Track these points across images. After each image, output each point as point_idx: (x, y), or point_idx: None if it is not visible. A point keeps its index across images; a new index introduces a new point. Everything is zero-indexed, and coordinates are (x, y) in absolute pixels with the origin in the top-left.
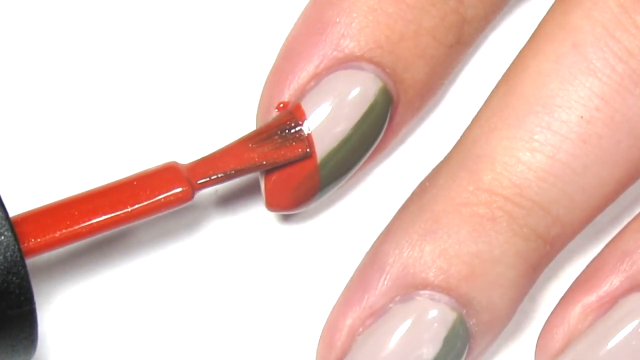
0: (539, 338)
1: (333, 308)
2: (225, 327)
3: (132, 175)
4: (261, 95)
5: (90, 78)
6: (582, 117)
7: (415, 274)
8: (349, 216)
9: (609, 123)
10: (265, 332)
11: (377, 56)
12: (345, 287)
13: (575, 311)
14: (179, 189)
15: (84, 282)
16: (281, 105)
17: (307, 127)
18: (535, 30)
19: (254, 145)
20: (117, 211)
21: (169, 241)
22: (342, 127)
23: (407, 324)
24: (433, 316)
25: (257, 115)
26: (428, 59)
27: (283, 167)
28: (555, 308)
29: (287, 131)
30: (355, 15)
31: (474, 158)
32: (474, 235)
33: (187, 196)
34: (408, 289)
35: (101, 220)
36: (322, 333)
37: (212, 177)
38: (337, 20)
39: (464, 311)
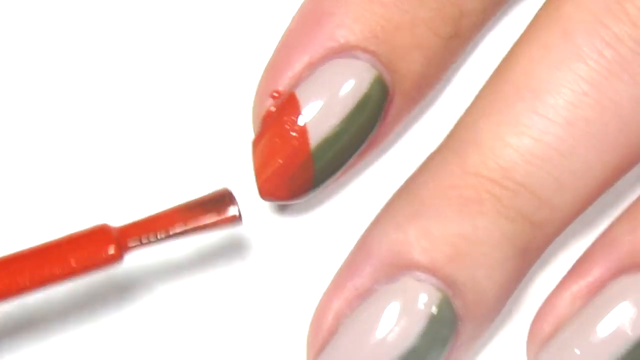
0: (530, 327)
1: (322, 294)
2: (218, 320)
3: (62, 237)
4: (257, 86)
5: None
6: (569, 101)
7: (400, 255)
8: (345, 209)
9: (596, 107)
10: (259, 325)
11: (372, 45)
12: (335, 274)
13: (565, 298)
14: (110, 251)
15: None
16: (275, 94)
17: (302, 118)
18: (529, 23)
19: (185, 210)
20: (45, 273)
21: None
22: (336, 116)
23: (392, 304)
24: (418, 296)
25: (253, 106)
26: (424, 50)
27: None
28: (546, 298)
29: (218, 200)
30: (351, 6)
31: (462, 143)
32: (459, 216)
33: (117, 257)
34: (393, 270)
35: (27, 282)
36: (311, 319)
37: (142, 241)
38: (333, 11)
39: (450, 292)
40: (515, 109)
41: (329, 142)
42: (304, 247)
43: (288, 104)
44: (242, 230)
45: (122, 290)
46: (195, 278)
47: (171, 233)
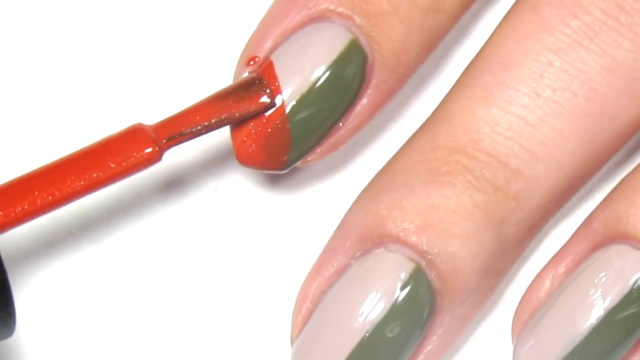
0: (513, 316)
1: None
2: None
3: (98, 141)
4: (239, 56)
5: (49, 44)
6: (535, 71)
7: (372, 228)
8: (332, 198)
9: (563, 77)
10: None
11: (348, 10)
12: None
13: (544, 283)
14: (148, 150)
15: (59, 266)
16: (252, 62)
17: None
18: None
19: (217, 101)
20: (85, 178)
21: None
22: (311, 76)
23: (364, 277)
24: (389, 267)
25: (234, 75)
26: (402, 18)
27: (250, 119)
28: (528, 286)
29: (249, 86)
30: None
31: (434, 120)
32: (429, 187)
33: (155, 156)
34: (367, 244)
35: (69, 189)
36: (294, 305)
37: (178, 135)
38: None
39: (423, 262)
40: (484, 83)
41: (304, 103)
42: (292, 233)
43: (264, 69)
44: (233, 215)
45: (106, 265)
46: (184, 266)
47: (206, 124)
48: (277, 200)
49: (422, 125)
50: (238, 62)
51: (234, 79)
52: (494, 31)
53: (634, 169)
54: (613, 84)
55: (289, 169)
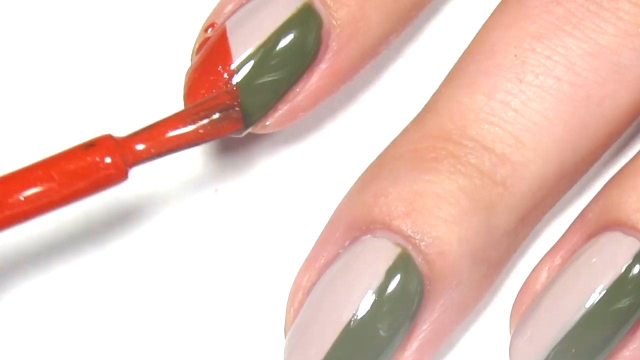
0: (511, 308)
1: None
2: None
3: (62, 152)
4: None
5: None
6: (518, 57)
7: (360, 217)
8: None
9: (545, 62)
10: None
11: None
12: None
13: (542, 274)
14: (114, 169)
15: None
16: (210, 30)
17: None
18: None
19: (191, 123)
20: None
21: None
22: (260, 36)
23: (351, 264)
24: (375, 252)
25: (194, 43)
26: None
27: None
28: (525, 279)
29: (225, 112)
30: None
31: (423, 112)
32: (415, 174)
33: (122, 177)
34: (355, 232)
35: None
36: (287, 299)
37: (148, 157)
38: None
39: (409, 247)
40: (469, 72)
41: (254, 64)
42: (292, 233)
43: (217, 34)
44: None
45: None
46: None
47: (177, 149)
48: (277, 200)
49: (413, 118)
50: (200, 30)
51: (194, 46)
52: (483, 24)
53: (629, 161)
54: (597, 68)
55: (244, 133)
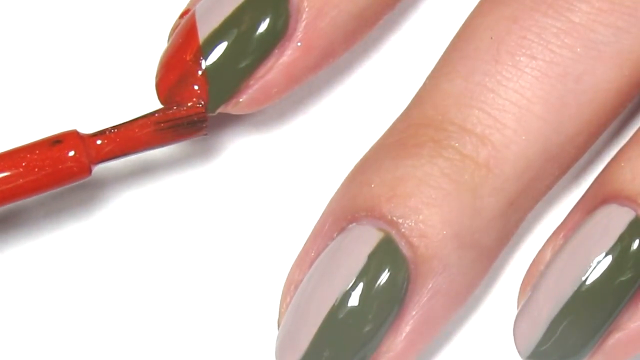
0: (519, 288)
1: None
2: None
3: (28, 144)
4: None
5: None
6: (493, 39)
7: (346, 208)
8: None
9: (520, 42)
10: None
11: None
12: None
13: (547, 254)
14: (77, 165)
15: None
16: (184, 15)
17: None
18: None
19: (157, 130)
20: (12, 183)
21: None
22: (224, 14)
23: (336, 252)
24: (357, 238)
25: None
26: None
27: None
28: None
29: (193, 123)
30: None
31: (409, 104)
32: (397, 160)
33: (85, 173)
34: (342, 223)
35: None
36: (280, 295)
37: (111, 157)
38: None
39: (393, 232)
40: (450, 59)
41: (217, 40)
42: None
43: (187, 19)
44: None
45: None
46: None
47: (142, 149)
48: (277, 200)
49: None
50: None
51: (170, 32)
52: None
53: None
54: (572, 46)
55: (216, 112)
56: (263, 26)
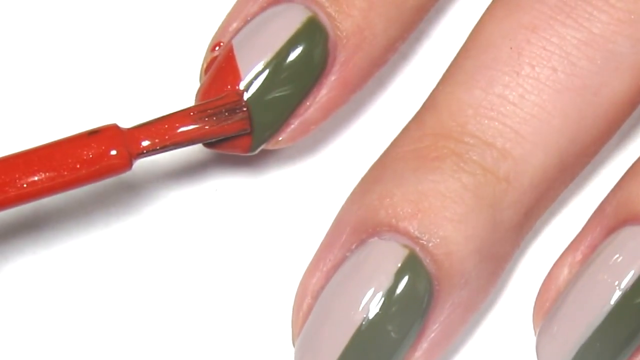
0: (534, 304)
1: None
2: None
3: (61, 138)
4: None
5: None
6: (512, 49)
7: (366, 219)
8: (330, 197)
9: (540, 52)
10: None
11: None
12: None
13: (563, 269)
14: (118, 159)
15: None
16: (217, 48)
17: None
18: None
19: (199, 121)
20: (52, 177)
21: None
22: (268, 53)
23: (359, 267)
24: (383, 255)
25: (202, 62)
26: None
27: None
28: (547, 274)
29: (232, 111)
30: None
31: (422, 110)
32: (418, 174)
33: (126, 166)
34: (361, 235)
35: (37, 185)
36: (293, 303)
37: (153, 149)
38: None
39: (417, 248)
40: (466, 68)
41: (262, 81)
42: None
43: (224, 53)
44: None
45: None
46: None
47: (183, 143)
48: (277, 199)
49: (412, 117)
50: (206, 49)
51: (202, 65)
52: (478, 20)
53: None
54: (592, 57)
55: (257, 151)
56: (304, 65)
